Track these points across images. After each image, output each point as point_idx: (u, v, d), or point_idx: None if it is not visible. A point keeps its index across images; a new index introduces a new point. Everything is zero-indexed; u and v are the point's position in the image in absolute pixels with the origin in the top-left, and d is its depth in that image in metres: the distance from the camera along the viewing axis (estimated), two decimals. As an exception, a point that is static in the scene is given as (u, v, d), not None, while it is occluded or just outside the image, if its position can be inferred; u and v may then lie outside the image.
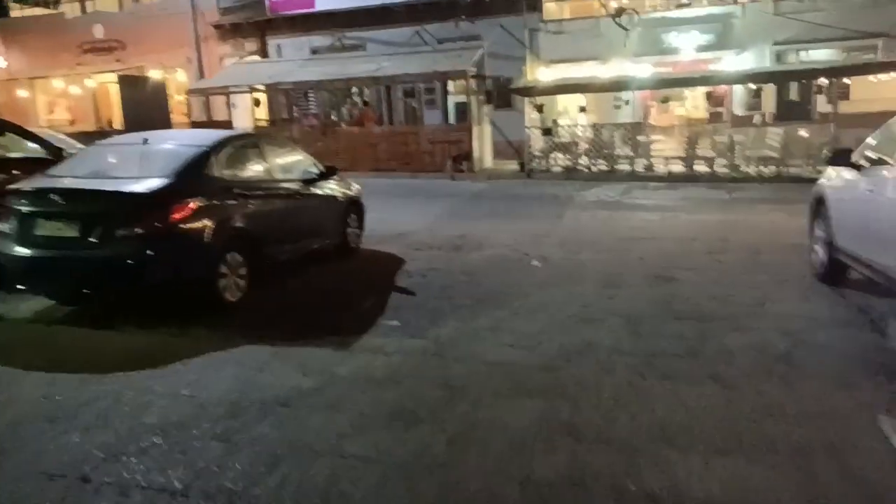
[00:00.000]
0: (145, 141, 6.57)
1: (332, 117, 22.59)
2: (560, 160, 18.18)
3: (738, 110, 20.17)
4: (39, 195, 5.66)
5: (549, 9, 21.24)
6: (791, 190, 13.55)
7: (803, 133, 16.28)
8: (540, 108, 18.23)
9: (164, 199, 5.53)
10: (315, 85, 20.25)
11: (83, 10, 27.20)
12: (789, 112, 18.94)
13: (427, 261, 7.91)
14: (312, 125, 21.09)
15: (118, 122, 23.05)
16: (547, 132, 18.11)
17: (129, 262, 5.32)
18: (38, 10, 27.60)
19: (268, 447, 3.38)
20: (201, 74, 23.15)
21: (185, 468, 3.17)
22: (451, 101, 22.26)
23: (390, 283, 6.96)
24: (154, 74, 24.40)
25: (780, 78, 18.37)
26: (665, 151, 17.28)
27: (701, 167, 16.66)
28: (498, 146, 20.14)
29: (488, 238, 9.22)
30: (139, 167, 6.36)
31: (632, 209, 12.18)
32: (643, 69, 19.42)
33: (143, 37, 24.56)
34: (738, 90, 19.88)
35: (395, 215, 11.03)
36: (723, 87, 20.07)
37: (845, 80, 17.77)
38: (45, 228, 5.51)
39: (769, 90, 19.68)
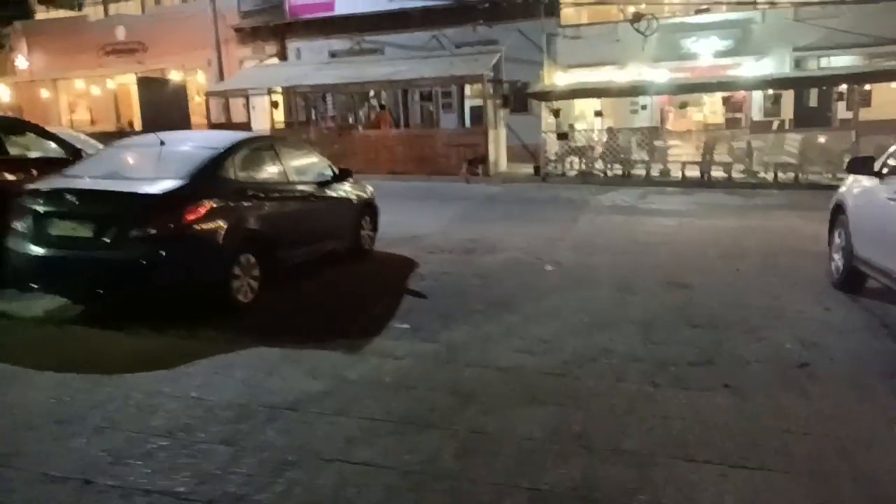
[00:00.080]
0: (161, 142, 6.58)
1: (349, 120, 22.65)
2: (575, 164, 18.11)
3: (757, 116, 19.99)
4: (54, 195, 5.68)
5: (567, 14, 21.18)
6: (809, 196, 13.39)
7: (822, 139, 16.09)
8: (556, 113, 18.15)
9: (177, 200, 5.52)
10: (332, 88, 20.31)
11: (105, 12, 27.49)
12: (809, 118, 18.75)
13: (440, 264, 7.87)
14: (329, 128, 21.15)
15: (138, 123, 23.24)
16: (563, 136, 18.03)
17: (141, 262, 5.32)
18: (62, 13, 27.88)
19: (275, 452, 3.34)
20: (221, 76, 23.31)
21: (190, 472, 3.14)
22: (468, 104, 22.24)
23: (403, 285, 6.93)
24: (174, 76, 24.61)
25: (799, 84, 18.19)
26: (682, 156, 17.14)
27: (718, 172, 16.50)
28: (513, 150, 20.08)
29: (502, 241, 9.16)
30: (154, 168, 6.38)
31: (647, 214, 12.08)
32: (661, 74, 19.31)
33: (164, 39, 24.77)
34: (757, 96, 19.70)
35: (409, 218, 11.00)
36: (741, 93, 19.89)
37: (866, 87, 17.55)
38: (60, 228, 5.53)
39: (788, 96, 19.49)
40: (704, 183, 16.18)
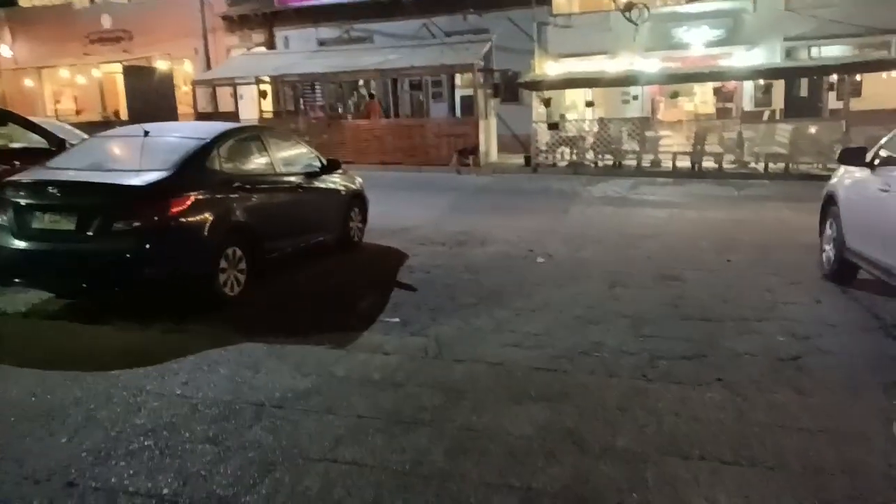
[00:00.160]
0: (146, 133, 6.47)
1: (339, 110, 22.49)
2: (566, 155, 18.05)
3: (748, 106, 19.98)
4: (36, 187, 5.57)
5: (558, 2, 21.06)
6: (800, 187, 13.41)
7: (813, 130, 16.09)
8: (547, 103, 18.07)
9: (162, 192, 5.43)
10: (321, 77, 20.14)
11: (91, 0, 27.13)
12: (799, 108, 18.76)
13: (430, 256, 7.80)
14: (318, 117, 21.00)
15: (124, 113, 23.00)
16: (554, 126, 17.96)
17: (126, 256, 5.22)
18: (47, 0, 27.50)
19: (261, 452, 3.27)
20: (208, 65, 23.09)
21: (174, 473, 3.07)
22: (458, 94, 22.13)
23: (392, 278, 6.86)
24: (161, 65, 24.35)
25: (790, 74, 18.17)
26: (673, 147, 17.11)
27: (709, 163, 16.49)
28: (504, 140, 20.01)
29: (492, 233, 9.10)
30: (139, 160, 6.27)
31: (638, 205, 12.05)
32: (652, 64, 19.25)
33: (150, 27, 24.52)
34: (748, 86, 19.68)
35: (399, 209, 10.92)
36: (732, 83, 19.86)
37: (857, 77, 17.55)
38: (42, 221, 5.42)
39: (779, 86, 19.48)
40: (695, 173, 16.17)
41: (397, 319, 5.44)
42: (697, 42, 19.54)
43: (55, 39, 25.70)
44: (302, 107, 22.21)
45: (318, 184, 7.58)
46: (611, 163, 17.48)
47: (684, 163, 16.68)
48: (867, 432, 3.55)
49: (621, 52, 19.86)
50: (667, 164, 16.97)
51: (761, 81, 19.03)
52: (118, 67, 23.89)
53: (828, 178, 7.42)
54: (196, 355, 4.58)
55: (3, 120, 9.04)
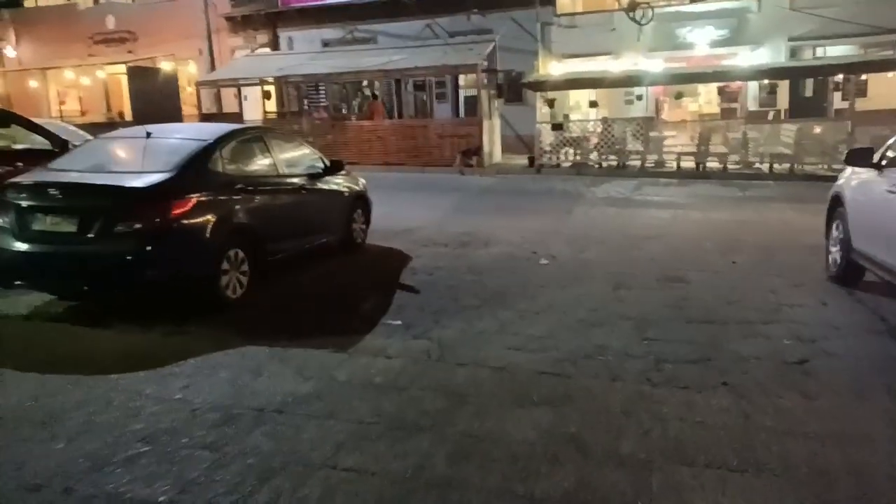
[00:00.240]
0: (148, 134, 6.45)
1: (342, 110, 22.47)
2: (570, 155, 17.99)
3: (753, 106, 19.89)
4: (37, 189, 5.55)
5: (562, 3, 21.00)
6: (805, 187, 13.34)
7: (818, 130, 16.00)
8: (551, 103, 18.01)
9: (164, 193, 5.40)
10: (325, 78, 20.12)
11: (95, 0, 27.15)
12: (804, 109, 18.66)
13: (433, 258, 7.76)
14: (322, 118, 20.98)
15: (129, 114, 23.02)
16: (557, 127, 17.90)
17: (127, 258, 5.20)
18: (52, 1, 27.55)
19: (260, 458, 3.23)
20: (212, 66, 23.08)
21: (172, 480, 3.03)
22: (462, 94, 22.09)
23: (395, 280, 6.83)
24: (165, 66, 24.36)
25: (795, 74, 18.08)
26: (677, 147, 17.03)
27: (713, 163, 16.42)
28: (508, 141, 19.95)
29: (496, 234, 9.06)
30: (141, 161, 6.26)
31: (642, 206, 11.99)
32: (656, 64, 19.18)
33: (154, 28, 24.54)
34: (753, 86, 19.59)
35: (402, 210, 10.89)
36: (737, 83, 19.77)
37: (862, 77, 17.45)
38: (43, 223, 5.40)
39: (784, 86, 19.39)
40: (699, 174, 16.11)
41: (400, 322, 5.41)
42: (702, 42, 19.46)
43: (59, 40, 25.74)
44: (306, 107, 22.20)
45: (321, 185, 7.55)
46: (615, 163, 17.41)
47: (688, 163, 16.61)
48: (873, 434, 3.51)
49: (625, 52, 19.80)
50: (671, 164, 16.90)
51: (766, 81, 18.93)
52: (122, 68, 23.91)
53: (833, 178, 7.36)
54: (197, 358, 4.55)
55: (6, 121, 9.03)
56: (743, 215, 10.81)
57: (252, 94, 21.79)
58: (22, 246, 5.36)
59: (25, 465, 3.21)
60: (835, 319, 5.46)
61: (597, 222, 10.37)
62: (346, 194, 8.14)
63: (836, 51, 18.86)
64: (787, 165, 15.86)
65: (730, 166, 16.27)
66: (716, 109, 21.44)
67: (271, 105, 21.37)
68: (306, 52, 21.64)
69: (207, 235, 5.60)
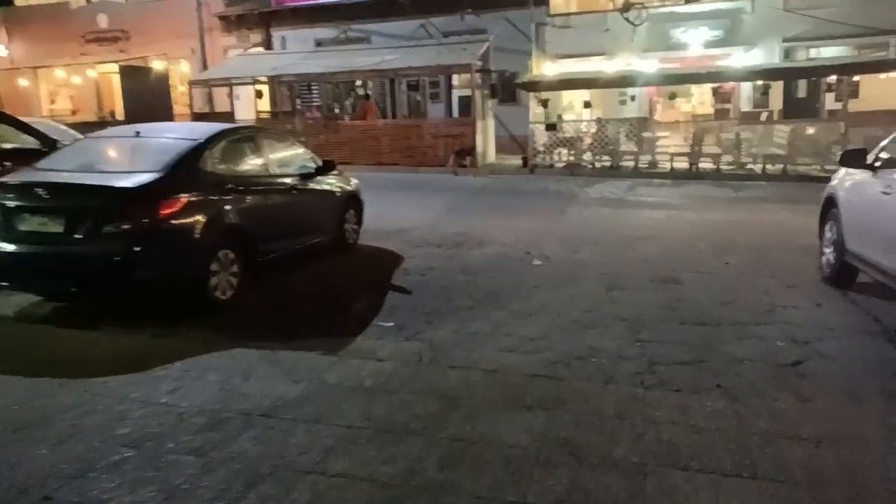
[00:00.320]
0: (137, 134, 6.39)
1: (335, 110, 22.39)
2: (563, 156, 17.97)
3: (746, 107, 19.91)
4: (24, 189, 5.49)
5: (556, 3, 20.98)
6: (797, 188, 13.36)
7: (811, 131, 16.02)
8: (545, 103, 17.99)
9: (153, 193, 5.34)
10: (318, 77, 20.05)
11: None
12: (797, 109, 18.69)
13: (426, 258, 7.71)
14: (315, 118, 20.90)
15: (120, 113, 22.89)
16: (551, 127, 17.87)
17: (115, 259, 5.13)
18: (44, 0, 27.37)
19: (247, 464, 3.17)
20: (205, 66, 22.98)
21: (157, 487, 2.96)
22: (456, 95, 22.04)
23: (387, 281, 6.77)
24: (158, 65, 24.22)
25: (788, 75, 18.10)
26: (670, 148, 17.03)
27: (706, 164, 16.42)
28: (501, 141, 19.91)
29: (489, 235, 9.02)
30: (130, 161, 6.22)
31: (635, 207, 11.97)
32: (650, 65, 19.18)
33: (147, 27, 24.40)
34: (746, 87, 19.60)
35: (395, 210, 10.83)
36: (730, 84, 19.79)
37: (854, 78, 17.49)
38: (30, 223, 5.33)
39: (777, 87, 19.40)
40: (693, 174, 16.10)
41: (392, 324, 5.36)
42: (695, 43, 19.46)
43: (51, 39, 25.56)
44: (299, 107, 22.11)
45: (312, 185, 7.49)
46: (608, 164, 17.39)
47: (682, 164, 16.61)
48: (867, 436, 3.49)
49: (619, 52, 19.79)
50: (664, 165, 16.90)
51: (759, 82, 18.95)
52: (114, 67, 23.76)
53: (826, 179, 7.35)
54: (185, 361, 4.49)
55: (-6, 120, 8.94)
56: (736, 216, 10.80)
57: (244, 93, 21.69)
58: (8, 247, 5.29)
59: (4, 472, 3.13)
60: (829, 321, 5.43)
61: (590, 223, 10.34)
62: (338, 194, 8.08)
63: (830, 52, 18.89)
64: (780, 166, 15.87)
65: (723, 167, 16.27)
66: (709, 110, 21.48)
67: (264, 105, 21.28)
68: (300, 52, 21.56)
69: (197, 236, 5.54)
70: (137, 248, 5.15)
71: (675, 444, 3.40)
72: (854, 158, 6.21)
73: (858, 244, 5.87)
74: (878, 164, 5.83)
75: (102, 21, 25.64)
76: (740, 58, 19.07)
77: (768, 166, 15.97)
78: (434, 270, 7.16)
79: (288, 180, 7.10)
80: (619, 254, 8.07)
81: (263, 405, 3.82)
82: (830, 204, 6.65)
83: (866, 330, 5.22)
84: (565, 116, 19.68)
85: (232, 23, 23.99)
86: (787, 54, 19.20)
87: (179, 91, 23.88)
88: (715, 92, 21.36)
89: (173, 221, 5.37)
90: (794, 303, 5.93)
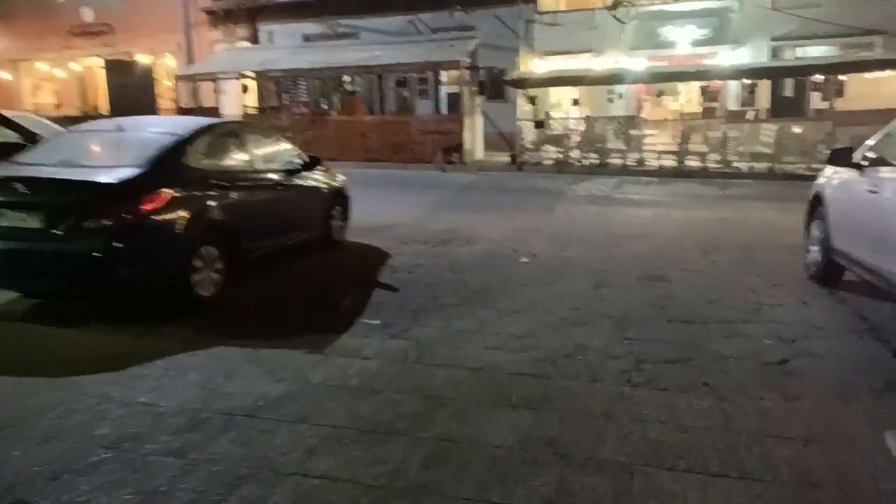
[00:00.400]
0: (120, 128, 6.29)
1: (323, 106, 22.27)
2: (551, 153, 17.96)
3: (733, 105, 19.99)
4: (2, 184, 5.36)
5: (545, 0, 20.94)
6: (783, 187, 13.41)
7: (797, 130, 16.10)
8: (533, 101, 17.97)
9: (134, 189, 5.24)
10: (305, 73, 19.95)
11: (72, -7, 26.69)
12: (784, 108, 18.78)
13: (413, 255, 7.66)
14: (302, 113, 20.77)
15: (104, 107, 22.67)
16: (539, 125, 17.86)
17: (96, 255, 5.03)
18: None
19: (228, 465, 3.10)
20: (191, 60, 22.80)
21: (134, 489, 2.89)
22: (444, 91, 21.98)
23: (374, 278, 6.72)
24: (143, 59, 24.00)
25: (775, 74, 18.19)
26: (657, 146, 17.08)
27: (693, 162, 16.46)
28: (489, 138, 19.89)
29: (477, 232, 8.97)
30: (111, 155, 6.12)
31: (623, 204, 11.97)
32: (638, 62, 19.20)
33: (132, 21, 24.14)
34: (734, 85, 19.67)
35: (382, 207, 10.76)
36: (718, 82, 19.86)
37: (841, 77, 17.59)
38: (8, 219, 5.21)
39: (764, 86, 19.49)
40: (680, 172, 16.15)
41: (378, 321, 5.30)
42: (683, 41, 19.51)
43: (35, 32, 25.26)
44: (285, 103, 21.97)
45: (298, 181, 7.41)
46: (596, 161, 17.40)
47: (669, 162, 16.65)
48: (855, 435, 3.47)
49: (607, 50, 19.80)
50: (652, 163, 16.93)
51: (747, 81, 19.02)
52: (99, 61, 23.54)
53: (812, 178, 7.35)
54: (167, 360, 4.41)
55: (-27, 114, 8.82)
56: (723, 214, 10.82)
57: (231, 88, 21.52)
58: (-15, 242, 5.18)
59: (-21, 473, 3.06)
60: (816, 319, 5.43)
61: (578, 220, 10.32)
62: (325, 190, 8.00)
63: (817, 51, 19.00)
64: (766, 165, 15.94)
65: (710, 165, 16.32)
66: (697, 108, 21.53)
67: (251, 100, 21.13)
68: (287, 47, 21.44)
69: (179, 232, 5.44)
70: (118, 245, 5.06)
71: (663, 443, 3.37)
72: (841, 157, 6.21)
73: (845, 242, 5.87)
74: (864, 162, 5.83)
75: (87, 15, 25.36)
76: (728, 56, 19.13)
77: (755, 165, 16.04)
78: (421, 268, 7.11)
79: (273, 176, 7.02)
80: (606, 251, 8.05)
81: (246, 405, 3.75)
82: (817, 202, 6.66)
83: (853, 328, 5.22)
84: (553, 114, 19.67)
85: (219, 17, 23.80)
86: (775, 53, 19.29)
87: (166, 86, 23.67)
88: (702, 90, 21.43)
89: (155, 217, 5.28)
90: (780, 301, 5.93)
